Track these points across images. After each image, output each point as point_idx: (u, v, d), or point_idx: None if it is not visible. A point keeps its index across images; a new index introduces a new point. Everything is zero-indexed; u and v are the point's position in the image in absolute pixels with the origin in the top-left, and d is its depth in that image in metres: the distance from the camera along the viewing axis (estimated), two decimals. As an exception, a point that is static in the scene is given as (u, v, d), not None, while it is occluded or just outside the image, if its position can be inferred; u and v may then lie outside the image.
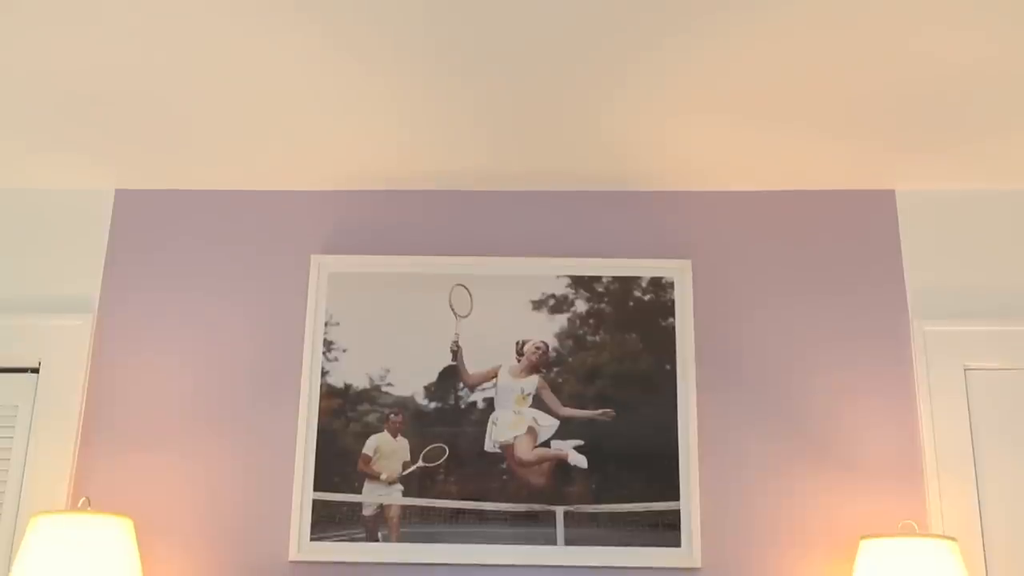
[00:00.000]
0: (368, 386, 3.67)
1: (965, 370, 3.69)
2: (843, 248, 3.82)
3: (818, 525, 3.54)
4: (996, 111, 3.42)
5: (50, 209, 3.90)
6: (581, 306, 3.74)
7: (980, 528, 3.54)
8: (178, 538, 3.55)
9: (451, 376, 3.68)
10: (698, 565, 3.50)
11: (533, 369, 3.68)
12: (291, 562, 3.52)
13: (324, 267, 3.79)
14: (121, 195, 3.92)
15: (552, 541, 3.53)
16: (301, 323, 3.74)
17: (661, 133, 3.55)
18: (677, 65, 3.21)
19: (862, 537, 3.37)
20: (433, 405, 3.65)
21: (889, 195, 3.88)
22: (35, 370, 3.71)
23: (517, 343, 3.71)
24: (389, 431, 3.63)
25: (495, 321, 3.73)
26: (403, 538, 3.53)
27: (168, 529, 3.55)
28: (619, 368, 3.68)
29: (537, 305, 3.75)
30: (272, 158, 3.73)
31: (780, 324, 3.75)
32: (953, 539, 3.33)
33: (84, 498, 3.40)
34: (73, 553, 3.17)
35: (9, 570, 3.28)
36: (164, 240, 3.87)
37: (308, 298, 3.76)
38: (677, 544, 3.52)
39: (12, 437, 3.65)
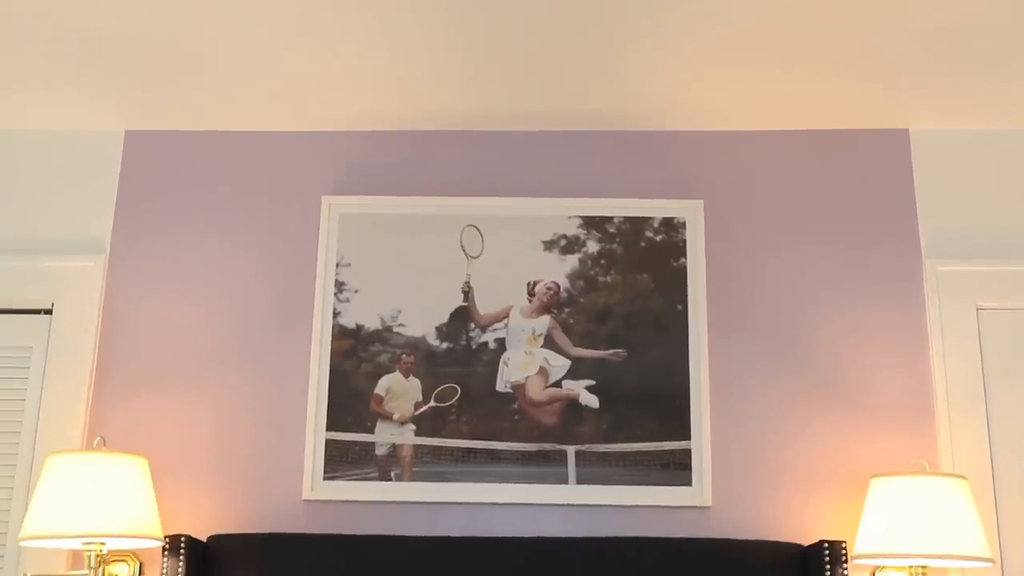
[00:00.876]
0: (380, 327, 3.68)
1: (977, 310, 3.68)
2: (856, 188, 3.80)
3: (828, 464, 3.56)
4: (1013, 49, 3.38)
5: (61, 151, 3.89)
6: (592, 246, 3.73)
7: (990, 466, 3.55)
8: (193, 477, 3.58)
9: (462, 316, 3.68)
10: (708, 504, 3.52)
11: (544, 309, 3.68)
12: (304, 501, 3.55)
13: (335, 208, 3.78)
14: (131, 136, 3.91)
15: (563, 480, 3.55)
16: (312, 264, 3.75)
17: (674, 73, 3.52)
18: (690, 5, 3.17)
19: (872, 476, 3.38)
20: (445, 345, 3.66)
21: (903, 134, 3.85)
22: (48, 311, 3.73)
23: (528, 283, 3.71)
24: (401, 371, 3.64)
25: (506, 262, 3.72)
26: (415, 477, 3.56)
27: (183, 468, 3.58)
28: (630, 308, 3.68)
29: (548, 245, 3.74)
30: (283, 98, 3.71)
31: (792, 264, 3.74)
32: (963, 477, 3.34)
33: (99, 438, 3.43)
34: (89, 492, 3.20)
35: (26, 509, 3.32)
36: (175, 181, 3.86)
37: (319, 239, 3.76)
38: (688, 483, 3.54)
39: (27, 378, 3.67)
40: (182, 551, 3.28)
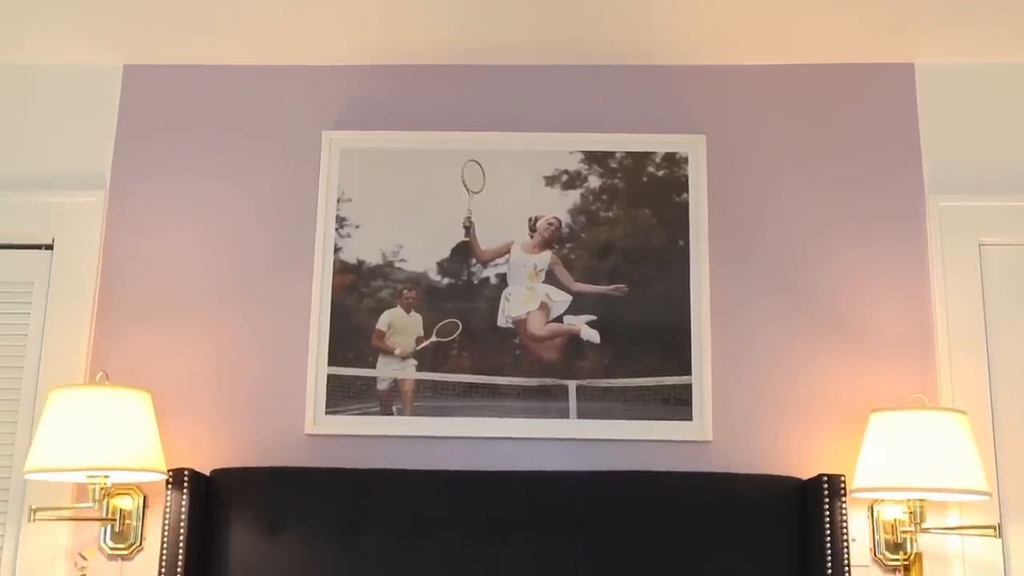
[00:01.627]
0: (381, 262, 3.67)
1: (980, 246, 3.67)
2: (860, 123, 3.77)
3: (828, 399, 3.57)
4: (1020, -20, 3.35)
5: (60, 85, 3.87)
6: (594, 182, 3.72)
7: (990, 402, 3.56)
8: (195, 412, 3.59)
9: (464, 252, 3.68)
10: (709, 438, 3.54)
11: (546, 245, 3.68)
12: (307, 435, 3.57)
13: (336, 143, 3.76)
14: (129, 71, 3.88)
15: (564, 415, 3.56)
16: (313, 199, 3.73)
17: (678, 6, 3.48)
18: (694, -67, 3.13)
19: (872, 411, 3.40)
20: (446, 281, 3.66)
21: (908, 68, 3.81)
22: (49, 247, 3.72)
23: (530, 219, 3.70)
24: (402, 306, 3.64)
25: (508, 197, 3.71)
26: (417, 412, 3.57)
27: (185, 403, 3.59)
28: (632, 244, 3.67)
29: (550, 181, 3.73)
30: (283, 32, 3.67)
31: (794, 199, 3.72)
32: (963, 412, 3.35)
33: (101, 372, 3.44)
34: (92, 425, 3.22)
35: (30, 444, 3.34)
36: (174, 116, 3.84)
37: (320, 174, 3.74)
38: (688, 418, 3.55)
39: (29, 313, 3.67)
40: (186, 485, 3.31)
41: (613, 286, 3.65)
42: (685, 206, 3.69)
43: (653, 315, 3.61)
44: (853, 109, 3.78)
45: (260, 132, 3.81)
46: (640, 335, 3.60)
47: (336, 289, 3.65)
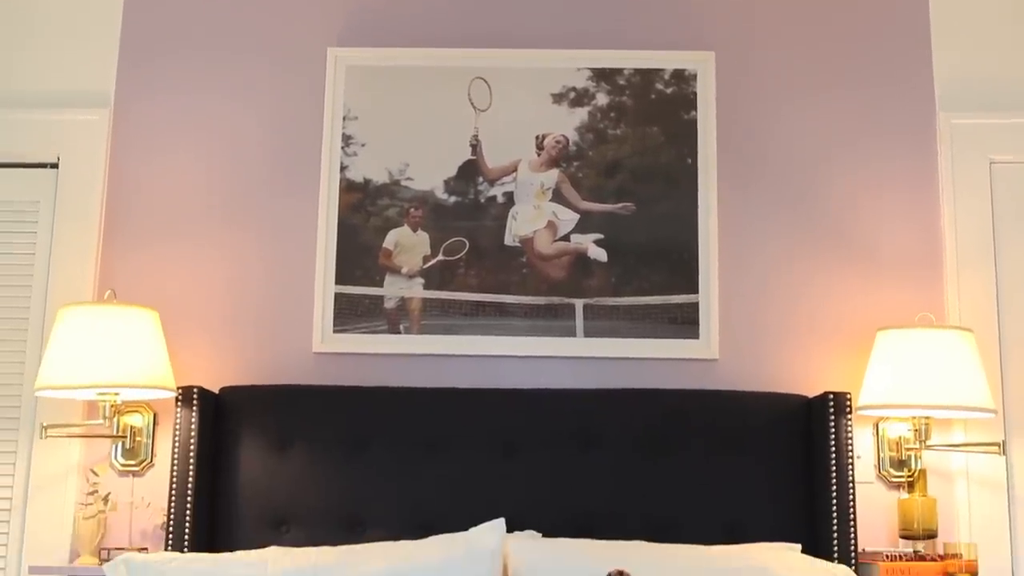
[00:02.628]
0: (388, 180, 3.66)
1: (990, 163, 3.65)
2: (871, 40, 3.72)
3: (835, 317, 3.57)
4: None
5: (63, 3, 3.81)
6: (602, 99, 3.69)
7: (997, 320, 3.56)
8: (203, 331, 3.61)
9: (470, 170, 3.66)
10: (715, 356, 3.55)
11: (553, 163, 3.66)
12: (315, 353, 3.58)
13: (341, 60, 3.72)
14: (132, -14, 3.84)
15: (571, 333, 3.57)
16: (319, 117, 3.71)
17: (686, -83, 3.43)
18: None
19: (879, 329, 3.40)
20: (453, 199, 3.64)
21: (921, -17, 3.76)
22: (54, 165, 3.71)
23: (537, 137, 3.67)
24: (409, 225, 3.63)
25: (515, 115, 3.68)
26: (424, 330, 3.58)
27: (193, 322, 3.60)
28: (640, 162, 3.65)
29: (557, 98, 3.69)
30: (285, -54, 3.62)
31: (804, 117, 3.69)
32: (969, 330, 3.36)
33: (110, 290, 3.45)
34: (102, 343, 3.24)
35: (40, 361, 3.36)
36: (178, 34, 3.80)
37: (326, 92, 3.71)
38: (695, 336, 3.56)
39: (35, 232, 3.67)
40: (195, 402, 3.33)
41: (620, 204, 3.63)
42: (693, 124, 3.67)
43: (660, 233, 3.61)
44: (864, 26, 3.73)
45: (265, 49, 3.77)
46: (647, 253, 3.59)
47: (343, 208, 3.64)
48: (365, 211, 3.64)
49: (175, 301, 3.59)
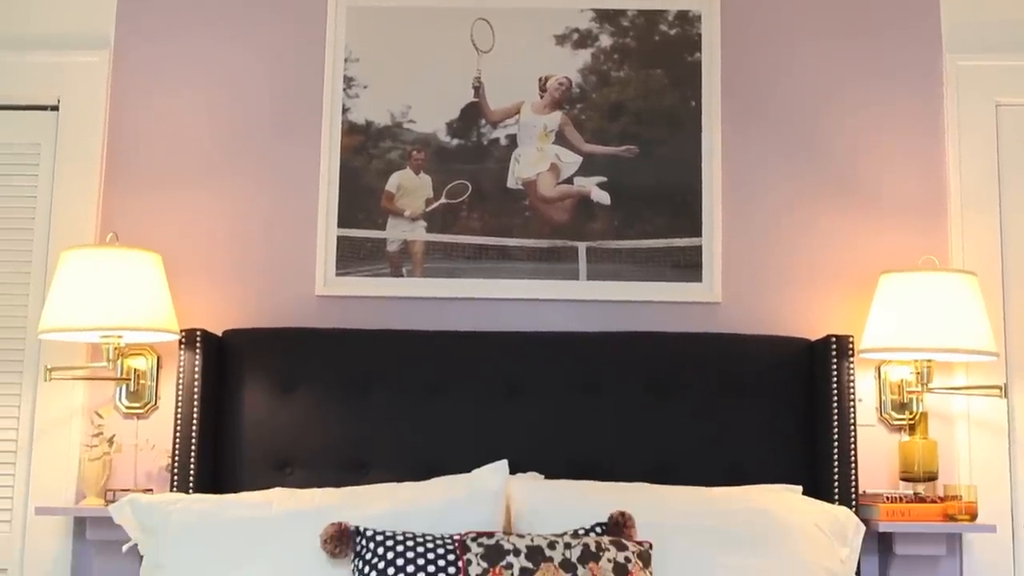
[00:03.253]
0: (390, 123, 3.64)
1: (996, 106, 3.62)
2: (878, -21, 3.69)
3: (839, 260, 3.57)
4: None
5: (59, -59, 3.78)
6: (605, 41, 3.65)
7: (1000, 263, 3.56)
8: (206, 274, 3.60)
9: (473, 112, 3.63)
10: (718, 300, 3.55)
11: (556, 105, 3.63)
12: (317, 296, 3.58)
13: (342, 1, 3.69)
14: (131, -74, 3.79)
15: (574, 276, 3.57)
16: (320, 59, 3.67)
17: None
18: None
19: (882, 272, 3.40)
20: (455, 142, 3.62)
21: (929, -78, 3.71)
22: (54, 108, 3.69)
23: (540, 79, 3.65)
24: (412, 168, 3.62)
25: (517, 56, 3.65)
26: (427, 273, 3.58)
27: (196, 265, 3.60)
28: (643, 104, 3.63)
29: (560, 40, 3.66)
30: None
31: (809, 58, 3.66)
32: (973, 274, 3.36)
33: (111, 233, 3.44)
34: (105, 286, 3.24)
35: (43, 304, 3.36)
36: (177, -27, 3.76)
37: (327, 33, 3.67)
38: (698, 279, 3.56)
39: (36, 175, 3.66)
40: (198, 345, 3.33)
41: (624, 147, 3.61)
42: (697, 66, 3.64)
43: (664, 176, 3.59)
44: (871, -35, 3.69)
45: (265, -10, 3.73)
46: (650, 196, 3.58)
47: (345, 150, 3.62)
48: (367, 154, 3.63)
49: (177, 244, 3.59)
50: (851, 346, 3.31)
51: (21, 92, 3.69)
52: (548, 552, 2.72)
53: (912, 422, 3.45)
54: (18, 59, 3.69)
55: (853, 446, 3.28)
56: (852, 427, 3.29)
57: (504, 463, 3.16)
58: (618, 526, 2.90)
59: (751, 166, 3.62)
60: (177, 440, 3.30)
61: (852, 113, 3.63)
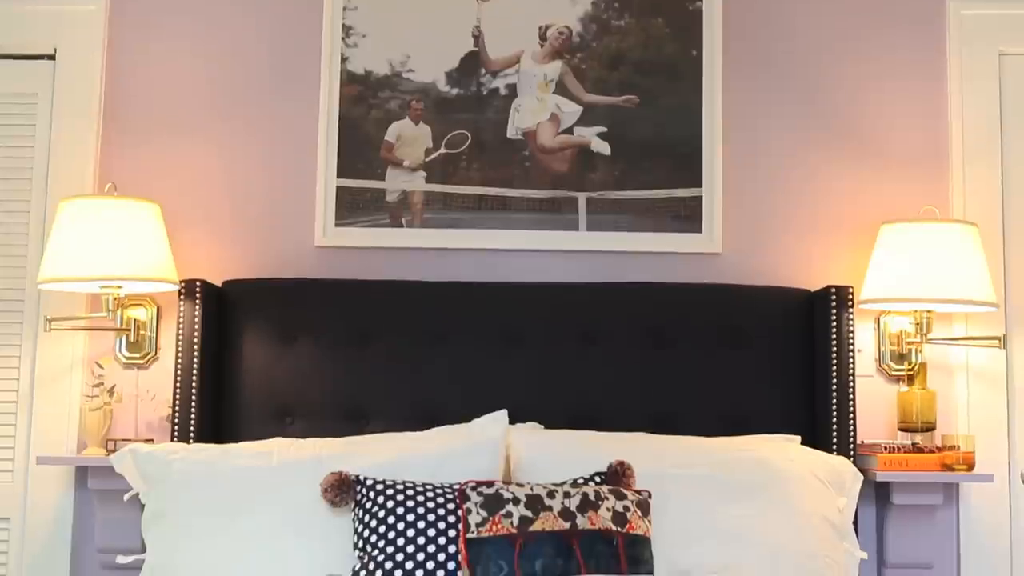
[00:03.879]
0: (389, 72, 3.61)
1: (1000, 55, 3.59)
2: (881, -73, 3.65)
3: (839, 210, 3.56)
4: None
5: None
6: (606, -11, 3.63)
7: (1001, 214, 3.55)
8: (205, 224, 3.59)
9: (473, 62, 3.61)
10: (718, 250, 3.55)
11: (556, 54, 3.61)
12: (317, 247, 3.57)
13: (340, -52, 3.66)
14: None
15: (574, 227, 3.56)
16: (319, 7, 3.64)
17: None
18: None
19: (883, 222, 3.39)
20: (455, 91, 3.60)
21: None
22: (51, 57, 3.66)
23: (540, 28, 3.62)
24: (411, 118, 3.60)
25: (517, 5, 3.62)
26: (426, 224, 3.57)
27: (195, 215, 3.59)
28: (644, 54, 3.60)
29: (561, -12, 3.63)
30: None
31: (811, 8, 3.63)
32: (974, 224, 3.35)
33: (110, 183, 3.43)
34: (104, 236, 3.23)
35: (42, 254, 3.35)
36: (174, -80, 3.72)
37: (325, -19, 3.65)
38: (698, 230, 3.55)
39: (34, 125, 3.64)
40: (198, 295, 3.33)
41: (624, 97, 3.59)
42: (699, 15, 3.61)
43: (664, 126, 3.57)
44: (875, -88, 3.65)
45: (262, -63, 3.69)
46: (651, 147, 3.56)
47: (343, 100, 3.60)
48: (366, 103, 3.61)
49: (176, 194, 3.57)
50: (851, 297, 3.31)
51: (18, 41, 3.66)
52: (547, 501, 2.73)
53: (911, 373, 3.46)
54: (14, 8, 3.66)
55: (852, 396, 3.29)
56: (851, 378, 3.30)
57: (504, 413, 3.18)
58: (617, 475, 2.92)
59: (752, 116, 3.60)
60: (177, 390, 3.31)
61: (854, 63, 3.61)
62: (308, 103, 3.61)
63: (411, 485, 2.82)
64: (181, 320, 3.33)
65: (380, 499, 2.78)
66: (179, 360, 3.32)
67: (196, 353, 3.31)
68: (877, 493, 3.41)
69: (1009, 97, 3.59)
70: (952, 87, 3.58)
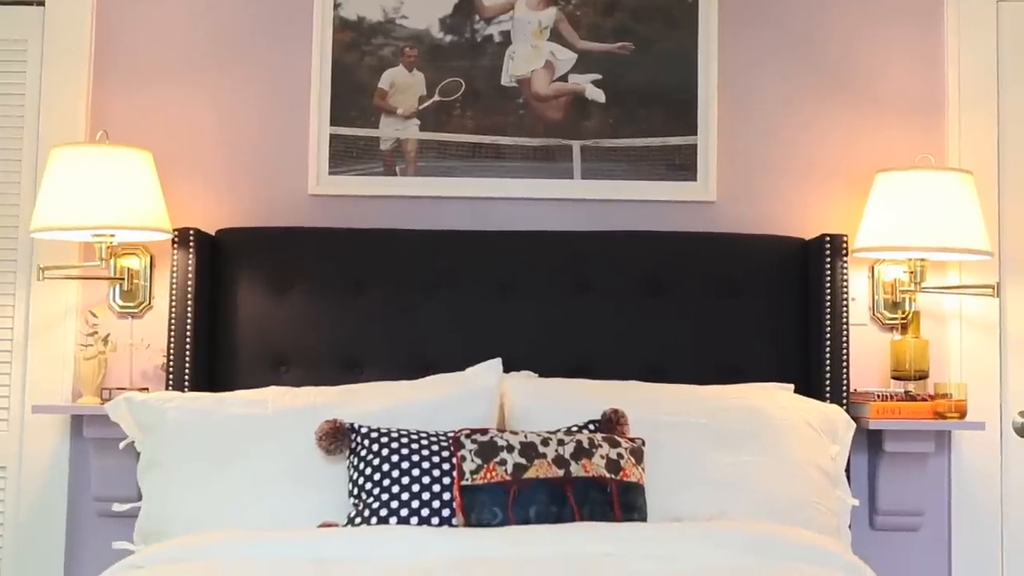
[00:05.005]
0: (382, 19, 3.58)
1: (997, 2, 3.57)
2: None
3: (834, 159, 3.55)
4: None
5: None
6: (601, -67, 3.59)
7: (997, 162, 3.54)
8: (198, 173, 3.58)
9: (466, 8, 3.57)
10: (713, 199, 3.54)
11: (551, 1, 3.57)
12: (310, 195, 3.56)
13: None
14: None
15: (568, 175, 3.55)
16: (311, -48, 3.61)
17: None
18: None
19: (878, 170, 3.38)
20: (449, 38, 3.57)
21: None
22: (40, 3, 3.62)
23: (534, -27, 3.59)
24: (404, 65, 3.57)
25: (511, -50, 3.59)
26: (420, 172, 3.56)
27: (187, 164, 3.57)
28: (639, 0, 3.57)
29: (555, -67, 3.59)
30: None
31: (808, -47, 3.60)
32: (969, 173, 3.34)
33: (101, 131, 3.40)
34: (96, 184, 3.22)
35: (34, 201, 3.34)
36: None
37: (322, -75, 3.60)
38: (693, 178, 3.54)
39: (24, 72, 3.61)
40: (191, 244, 3.33)
41: (619, 44, 3.57)
42: (695, -40, 3.58)
43: (659, 74, 3.55)
44: None
45: None
46: (646, 95, 3.54)
47: (336, 47, 3.57)
48: (359, 50, 3.58)
49: (168, 142, 3.55)
50: (845, 245, 3.31)
51: (6, -13, 3.63)
52: (542, 449, 2.75)
53: (904, 321, 3.46)
54: (2, -47, 3.62)
55: (845, 345, 3.30)
56: (844, 326, 3.30)
57: (498, 361, 3.18)
58: (611, 423, 2.93)
59: (748, 64, 3.58)
60: (172, 339, 3.31)
61: (850, 10, 3.58)
62: (301, 50, 3.58)
63: (406, 433, 2.84)
64: (175, 269, 3.33)
65: (375, 447, 2.79)
66: (173, 309, 3.32)
67: (190, 302, 3.31)
68: (869, 441, 3.43)
69: (1006, 45, 3.57)
70: (949, 35, 3.56)
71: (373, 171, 3.56)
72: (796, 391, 3.23)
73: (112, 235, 3.32)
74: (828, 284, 3.31)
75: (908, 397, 3.31)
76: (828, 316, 3.31)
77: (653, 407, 3.04)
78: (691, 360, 3.37)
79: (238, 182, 3.57)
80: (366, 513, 2.71)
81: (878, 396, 3.29)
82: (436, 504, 2.70)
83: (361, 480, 2.77)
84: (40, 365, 3.52)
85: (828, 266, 3.31)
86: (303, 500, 2.83)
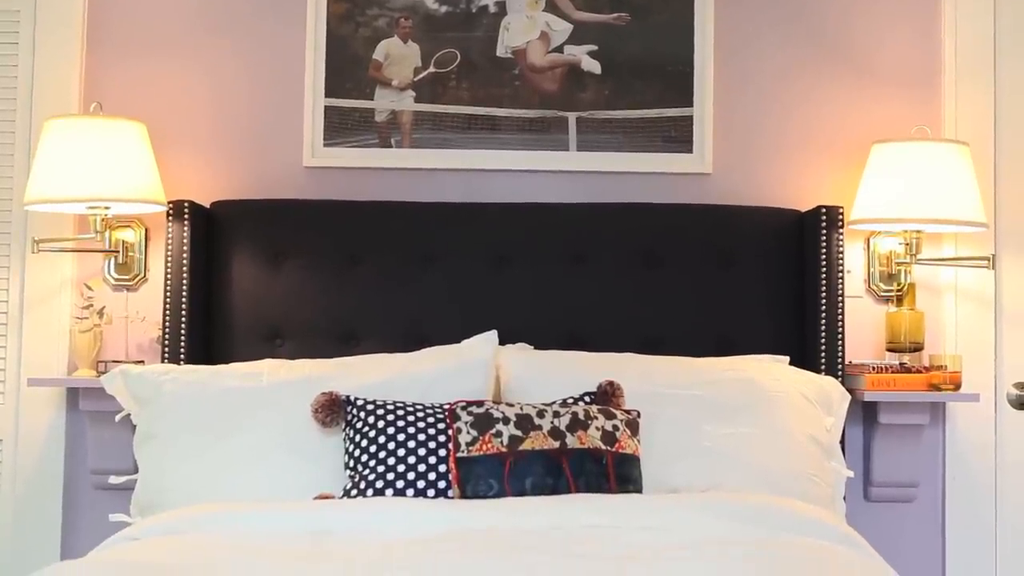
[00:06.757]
0: (377, -11, 3.56)
1: (995, -28, 3.56)
2: None
3: (830, 130, 3.54)
4: None
5: None
6: (597, -97, 3.56)
7: (993, 134, 3.53)
8: (192, 145, 3.56)
9: (462, -22, 3.56)
10: (709, 171, 3.53)
11: (546, -29, 3.56)
12: (305, 167, 3.55)
13: None
14: None
15: (564, 147, 3.54)
16: (305, -78, 3.58)
17: None
18: None
19: (874, 142, 3.37)
20: (444, 9, 3.55)
21: None
22: (33, -26, 3.60)
23: (529, -57, 3.57)
24: (399, 36, 3.55)
25: (507, -80, 3.56)
26: (415, 144, 3.55)
27: (182, 136, 3.56)
28: (635, -30, 3.56)
29: (551, -98, 3.57)
30: None
31: (805, -77, 3.58)
32: (965, 144, 3.34)
33: (95, 103, 3.38)
34: (90, 156, 3.21)
35: (28, 173, 3.33)
36: None
37: None
38: (689, 150, 3.53)
39: (17, 43, 3.58)
40: (186, 216, 3.32)
41: (615, 15, 3.55)
42: (691, -70, 3.55)
43: (655, 45, 3.53)
44: None
45: None
46: (642, 66, 3.53)
47: (331, 17, 3.55)
48: (354, 21, 3.56)
49: (162, 114, 3.53)
50: (841, 217, 3.31)
51: (-2, -43, 3.60)
52: (537, 420, 2.75)
53: (900, 293, 3.47)
54: (-7, -77, 3.59)
55: (840, 317, 3.30)
56: (840, 298, 3.30)
57: (494, 333, 3.18)
58: (607, 395, 2.93)
59: (744, 35, 3.56)
60: (167, 312, 3.31)
61: (848, -20, 3.57)
62: (295, 20, 3.56)
63: (401, 405, 2.84)
64: (170, 241, 3.32)
65: (371, 419, 2.80)
66: (168, 282, 3.32)
67: (185, 275, 3.31)
68: (864, 413, 3.44)
69: (1003, 16, 3.55)
70: (946, 6, 3.54)
71: (368, 143, 3.55)
72: (791, 363, 3.23)
73: (107, 208, 3.31)
74: (824, 256, 3.31)
75: (903, 369, 3.32)
76: (823, 288, 3.31)
77: (648, 379, 3.04)
78: (687, 332, 3.37)
79: (233, 154, 3.56)
80: (362, 485, 2.71)
81: (873, 368, 3.30)
82: (432, 476, 2.71)
83: (357, 452, 2.77)
84: (35, 338, 3.51)
85: (824, 238, 3.31)
86: (299, 472, 2.84)
